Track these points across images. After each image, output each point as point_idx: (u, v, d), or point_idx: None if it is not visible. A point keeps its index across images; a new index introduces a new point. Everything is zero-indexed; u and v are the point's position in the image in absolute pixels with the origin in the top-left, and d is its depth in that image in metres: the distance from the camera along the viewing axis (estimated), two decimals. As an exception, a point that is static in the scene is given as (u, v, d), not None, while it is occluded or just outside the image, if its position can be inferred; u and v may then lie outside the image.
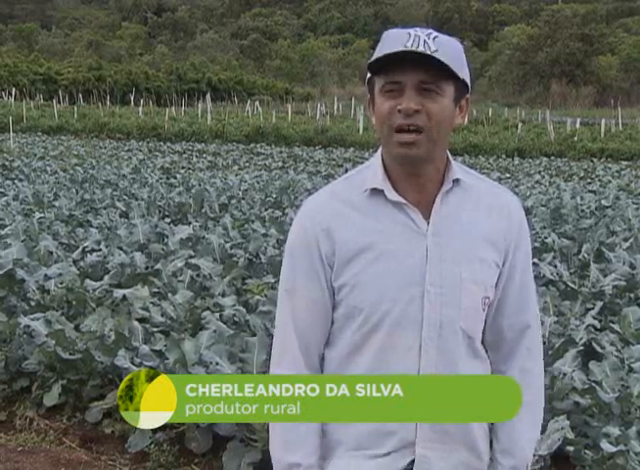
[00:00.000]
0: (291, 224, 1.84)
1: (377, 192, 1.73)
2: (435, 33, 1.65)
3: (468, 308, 1.74)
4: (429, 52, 1.61)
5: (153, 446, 4.08)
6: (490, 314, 1.84)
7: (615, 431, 3.59)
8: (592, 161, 23.32)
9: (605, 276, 6.20)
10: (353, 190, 1.76)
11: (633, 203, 11.69)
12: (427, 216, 1.73)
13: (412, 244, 1.71)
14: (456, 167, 1.77)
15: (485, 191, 1.81)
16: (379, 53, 1.65)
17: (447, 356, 1.73)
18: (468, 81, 1.71)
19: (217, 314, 4.96)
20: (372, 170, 1.76)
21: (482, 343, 1.83)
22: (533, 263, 1.91)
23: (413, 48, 1.61)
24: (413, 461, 1.76)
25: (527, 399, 1.85)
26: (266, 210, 10.04)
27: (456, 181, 1.75)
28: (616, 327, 5.04)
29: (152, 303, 5.23)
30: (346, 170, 1.84)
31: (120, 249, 6.86)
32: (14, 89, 45.51)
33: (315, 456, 1.77)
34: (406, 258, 1.70)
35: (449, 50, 1.64)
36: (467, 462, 1.81)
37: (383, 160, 1.76)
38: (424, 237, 1.72)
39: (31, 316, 4.81)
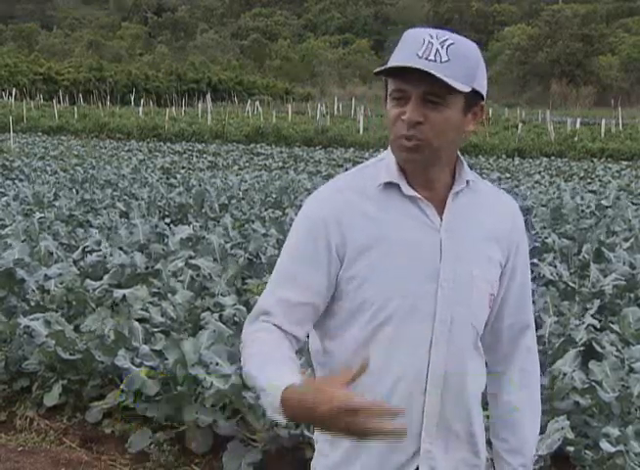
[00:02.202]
0: (291, 224, 1.83)
1: (391, 186, 1.73)
2: (452, 40, 1.62)
3: (477, 305, 1.76)
4: (438, 63, 1.59)
5: (153, 446, 4.08)
6: (492, 315, 1.85)
7: (614, 431, 3.59)
8: (592, 161, 23.32)
9: (605, 276, 6.19)
10: (367, 183, 1.75)
11: (633, 203, 11.69)
12: (439, 213, 1.74)
13: (425, 238, 1.72)
14: (467, 169, 1.78)
15: (491, 193, 1.84)
16: (394, 56, 1.65)
17: (456, 353, 1.74)
18: (482, 90, 1.68)
19: (217, 315, 4.96)
20: (385, 164, 1.76)
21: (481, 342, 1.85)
22: (533, 264, 1.94)
23: (423, 58, 1.59)
24: (416, 457, 1.76)
25: (529, 397, 1.89)
26: (266, 210, 10.04)
27: (467, 182, 1.77)
28: (615, 327, 5.04)
29: (152, 303, 5.23)
30: (346, 171, 1.84)
31: (120, 249, 6.86)
32: (14, 89, 45.52)
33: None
34: (420, 253, 1.71)
35: (462, 60, 1.62)
36: (467, 459, 1.82)
37: None
38: (437, 232, 1.72)
39: (31, 317, 4.80)
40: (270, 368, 1.59)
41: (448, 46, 1.61)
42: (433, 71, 1.58)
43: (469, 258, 1.74)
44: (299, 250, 1.76)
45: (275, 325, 1.73)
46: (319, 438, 1.86)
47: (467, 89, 1.63)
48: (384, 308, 1.70)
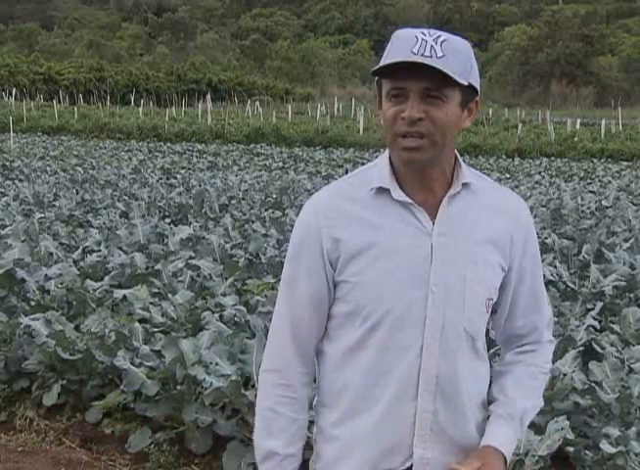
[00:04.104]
0: (291, 225, 1.85)
1: (383, 191, 1.73)
2: (445, 36, 1.63)
3: (471, 310, 1.74)
4: (434, 59, 1.60)
5: (153, 446, 4.08)
6: (502, 317, 1.85)
7: (614, 431, 3.59)
8: (592, 161, 23.31)
9: (605, 277, 6.19)
10: (359, 188, 1.76)
11: (633, 203, 11.69)
12: (433, 217, 1.72)
13: (417, 243, 1.71)
14: (465, 170, 1.76)
15: (494, 194, 1.81)
16: (385, 57, 1.65)
17: (449, 357, 1.72)
18: (476, 85, 1.69)
19: (217, 315, 4.96)
20: (378, 169, 1.76)
21: (491, 343, 1.84)
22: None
23: (419, 54, 1.60)
24: (408, 461, 1.75)
25: (528, 372, 1.86)
26: (266, 210, 10.04)
27: (465, 184, 1.75)
28: (616, 328, 5.04)
29: (152, 303, 5.22)
30: (347, 171, 1.84)
31: (121, 249, 6.87)
32: (14, 89, 45.52)
33: (295, 447, 1.80)
34: (410, 257, 1.70)
35: (457, 55, 1.63)
36: None
37: (390, 159, 1.76)
38: (429, 236, 1.71)
39: (32, 316, 4.80)
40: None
41: (442, 42, 1.62)
42: (434, 64, 1.58)
43: (462, 263, 1.72)
44: (298, 259, 1.78)
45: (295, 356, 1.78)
46: (317, 437, 1.87)
47: (465, 82, 1.63)
48: (374, 313, 1.71)
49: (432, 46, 1.61)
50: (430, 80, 1.61)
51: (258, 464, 1.82)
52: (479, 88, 1.70)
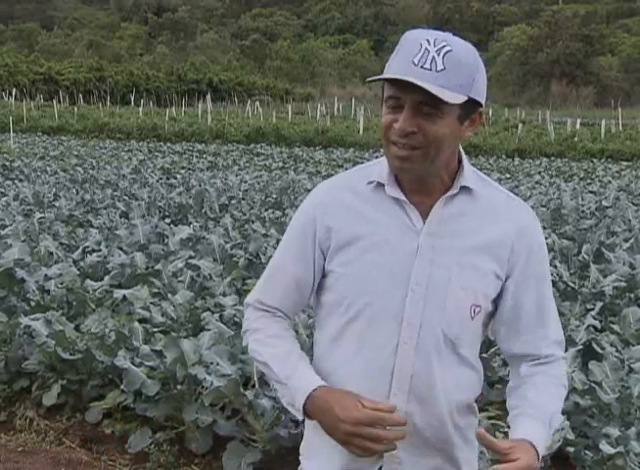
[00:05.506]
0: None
1: (380, 186, 1.75)
2: (450, 46, 1.58)
3: (452, 313, 1.71)
4: (433, 73, 1.56)
5: (153, 446, 4.08)
6: (502, 328, 1.81)
7: (614, 432, 3.59)
8: (592, 161, 23.31)
9: (605, 277, 6.20)
10: (359, 181, 1.78)
11: (633, 203, 11.70)
12: (426, 217, 1.72)
13: (404, 240, 1.71)
14: (469, 175, 1.75)
15: (499, 202, 1.78)
16: (392, 59, 1.64)
17: (424, 357, 1.70)
18: (480, 97, 1.65)
19: (217, 315, 4.96)
20: (379, 166, 1.77)
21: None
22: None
23: (419, 65, 1.57)
24: (380, 460, 1.73)
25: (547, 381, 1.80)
26: (266, 210, 10.04)
27: (465, 188, 1.73)
28: (616, 328, 5.04)
29: (152, 303, 5.23)
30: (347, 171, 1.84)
31: (121, 249, 6.87)
32: (14, 89, 45.53)
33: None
34: (398, 254, 1.70)
35: (459, 68, 1.58)
36: (441, 468, 1.77)
37: None
38: (417, 235, 1.71)
39: (32, 316, 4.80)
40: (293, 362, 1.77)
41: (445, 54, 1.58)
42: (425, 84, 1.55)
43: (448, 264, 1.70)
44: (290, 243, 1.88)
45: (272, 311, 1.87)
46: (306, 424, 1.87)
47: (461, 100, 1.60)
48: (354, 304, 1.73)
49: (433, 58, 1.57)
50: (425, 95, 1.58)
51: (288, 377, 1.75)
52: (483, 100, 1.66)
